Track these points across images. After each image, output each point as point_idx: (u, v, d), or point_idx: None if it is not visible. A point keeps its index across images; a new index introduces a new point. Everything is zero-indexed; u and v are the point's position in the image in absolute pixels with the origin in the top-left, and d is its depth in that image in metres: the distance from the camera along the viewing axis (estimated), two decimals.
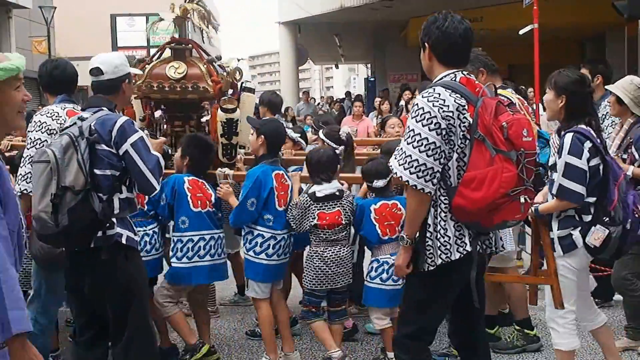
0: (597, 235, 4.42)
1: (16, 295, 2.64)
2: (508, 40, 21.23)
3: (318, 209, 5.36)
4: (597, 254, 4.59)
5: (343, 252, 5.44)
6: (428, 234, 3.62)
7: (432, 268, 3.63)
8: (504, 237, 4.98)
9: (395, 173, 3.60)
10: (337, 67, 44.43)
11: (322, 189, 5.41)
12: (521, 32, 14.76)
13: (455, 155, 3.55)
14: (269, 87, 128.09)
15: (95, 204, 4.04)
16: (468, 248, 3.60)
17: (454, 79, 3.66)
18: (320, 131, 6.69)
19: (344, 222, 5.43)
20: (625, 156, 5.29)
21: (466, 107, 3.55)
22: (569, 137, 4.39)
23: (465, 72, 3.73)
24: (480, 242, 3.72)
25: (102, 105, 4.35)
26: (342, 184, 5.54)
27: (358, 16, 23.41)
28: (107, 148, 4.16)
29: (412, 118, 3.58)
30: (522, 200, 3.53)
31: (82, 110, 4.47)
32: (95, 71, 4.45)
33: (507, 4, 19.74)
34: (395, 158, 3.61)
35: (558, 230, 4.48)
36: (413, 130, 3.54)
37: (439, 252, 3.60)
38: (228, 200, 5.52)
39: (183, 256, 5.43)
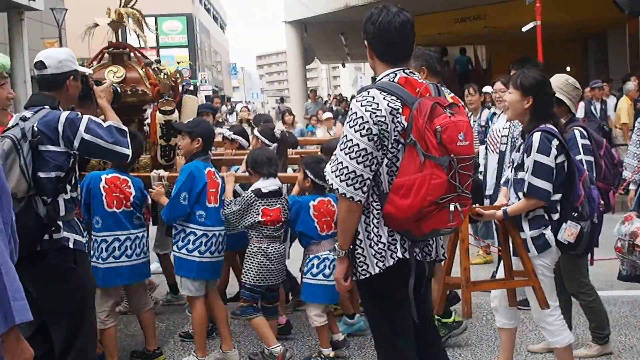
0: (571, 231, 4.43)
1: (17, 286, 2.66)
2: (511, 37, 21.42)
3: (262, 205, 5.44)
4: (571, 250, 4.56)
5: (282, 249, 5.58)
6: (359, 242, 3.48)
7: (365, 277, 3.49)
8: None
9: (328, 180, 3.48)
10: (343, 66, 44.40)
11: (267, 185, 5.50)
12: (524, 29, 14.98)
13: (386, 161, 3.39)
14: (277, 87, 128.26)
15: (40, 208, 3.95)
16: (399, 255, 3.42)
17: (393, 79, 3.49)
18: (255, 129, 6.85)
19: (284, 218, 5.54)
20: None
21: (401, 110, 3.37)
22: (537, 136, 4.39)
23: (407, 71, 3.55)
24: (419, 249, 3.52)
25: (44, 103, 4.19)
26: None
27: (364, 15, 23.36)
28: (53, 148, 4.05)
29: (346, 123, 3.43)
30: (452, 208, 3.34)
31: (25, 108, 4.24)
32: (39, 65, 4.28)
33: (510, 2, 19.76)
34: (330, 164, 3.46)
35: (530, 230, 4.45)
36: (346, 136, 3.38)
37: (375, 259, 3.44)
38: (159, 201, 5.55)
39: (99, 257, 5.32)
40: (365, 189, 3.39)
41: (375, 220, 3.45)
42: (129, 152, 4.33)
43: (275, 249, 5.52)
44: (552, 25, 16.67)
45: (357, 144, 3.35)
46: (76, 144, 4.10)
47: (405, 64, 3.59)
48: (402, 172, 3.34)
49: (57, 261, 4.07)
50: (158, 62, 6.39)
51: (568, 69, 25.63)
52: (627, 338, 5.90)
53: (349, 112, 3.44)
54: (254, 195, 5.44)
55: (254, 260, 5.48)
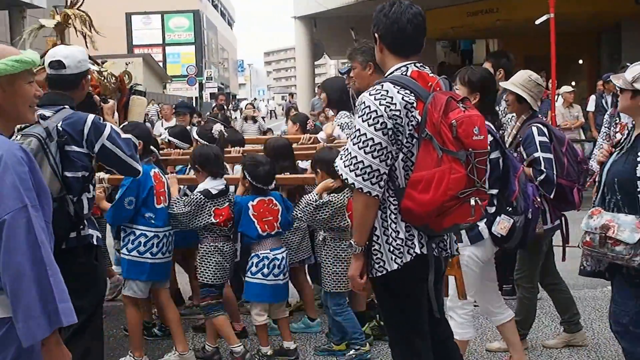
0: (503, 224, 4.53)
1: (63, 288, 2.66)
2: (524, 30, 21.16)
3: (213, 206, 5.44)
4: (504, 244, 4.68)
5: (234, 248, 5.64)
6: (375, 238, 3.45)
7: (382, 274, 3.46)
8: None
9: (341, 175, 3.43)
10: None
11: (215, 185, 5.52)
12: (537, 22, 14.72)
13: (401, 156, 3.37)
14: (285, 83, 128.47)
15: (70, 208, 4.01)
16: (417, 250, 3.41)
17: (405, 72, 3.48)
18: (194, 130, 6.83)
19: (233, 216, 5.54)
20: (515, 154, 5.16)
21: (415, 104, 3.36)
22: None
23: (418, 65, 3.54)
24: (435, 245, 3.52)
25: (64, 103, 4.24)
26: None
27: (374, 9, 23.28)
28: (78, 149, 4.10)
29: (358, 117, 3.41)
30: (473, 202, 3.34)
31: (39, 106, 4.16)
32: (56, 64, 4.32)
33: None
34: (342, 159, 3.44)
35: None
36: (359, 130, 3.36)
37: (393, 256, 3.42)
38: (100, 205, 5.44)
39: None
40: (382, 183, 3.36)
41: (392, 216, 3.42)
42: (140, 168, 4.48)
43: (229, 247, 5.58)
44: (565, 18, 16.33)
45: (372, 138, 3.32)
46: (97, 148, 4.17)
47: (417, 58, 3.58)
48: (419, 167, 3.33)
49: (84, 259, 4.17)
50: (103, 63, 6.33)
51: (581, 62, 25.35)
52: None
53: (361, 106, 3.41)
54: (203, 197, 5.44)
55: (211, 259, 5.50)
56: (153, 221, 5.37)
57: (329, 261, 5.54)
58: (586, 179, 5.43)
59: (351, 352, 5.54)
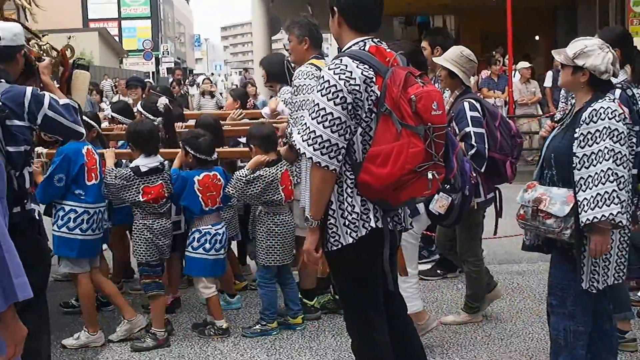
0: (442, 203, 4.58)
1: (18, 262, 2.62)
2: (481, 7, 21.20)
3: (143, 184, 5.39)
4: (442, 221, 4.77)
5: (169, 225, 5.58)
6: (331, 212, 3.46)
7: (337, 248, 3.47)
8: None
9: (299, 149, 3.42)
10: None
11: (147, 163, 5.46)
12: None
13: (360, 130, 3.39)
14: (242, 58, 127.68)
15: (14, 182, 3.95)
16: (372, 224, 3.43)
17: (362, 47, 3.49)
18: (139, 103, 6.77)
19: (166, 194, 5.50)
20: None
21: (374, 79, 3.38)
22: None
23: (375, 40, 3.54)
24: (390, 219, 3.55)
25: (1, 77, 4.17)
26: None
27: None
28: (20, 122, 4.03)
29: (317, 91, 3.40)
30: (430, 176, 3.37)
31: None
32: None
33: None
34: (299, 133, 3.43)
35: None
36: (318, 104, 3.36)
37: (348, 230, 3.43)
38: (36, 180, 5.31)
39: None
40: (340, 157, 3.37)
41: (348, 190, 3.43)
42: (84, 130, 4.44)
43: (161, 224, 5.50)
44: None
45: (331, 112, 3.33)
46: (39, 119, 4.12)
47: (374, 34, 3.59)
48: (378, 141, 3.34)
49: (29, 233, 4.10)
50: (40, 37, 6.14)
51: (537, 38, 25.50)
52: (520, 303, 6.25)
53: (320, 81, 3.41)
54: (133, 174, 5.40)
55: (141, 236, 5.47)
56: (83, 197, 5.35)
57: (262, 236, 5.56)
58: (520, 153, 5.57)
59: (257, 327, 5.62)
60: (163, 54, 53.05)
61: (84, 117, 5.44)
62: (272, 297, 5.64)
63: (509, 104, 14.22)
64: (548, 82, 14.58)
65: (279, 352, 5.30)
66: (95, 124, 6.02)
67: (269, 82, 6.92)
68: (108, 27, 55.61)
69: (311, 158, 3.36)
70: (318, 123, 3.33)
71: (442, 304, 6.10)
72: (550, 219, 3.88)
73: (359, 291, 3.61)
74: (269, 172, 5.43)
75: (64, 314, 6.20)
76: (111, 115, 6.96)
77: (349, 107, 3.33)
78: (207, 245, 5.53)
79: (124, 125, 6.63)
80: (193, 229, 5.60)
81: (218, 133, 6.20)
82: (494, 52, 17.03)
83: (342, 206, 3.44)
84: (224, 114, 7.56)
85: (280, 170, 5.45)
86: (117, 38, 57.67)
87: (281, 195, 5.47)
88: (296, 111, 5.43)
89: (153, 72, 46.64)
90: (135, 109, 7.26)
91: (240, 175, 5.41)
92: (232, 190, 5.44)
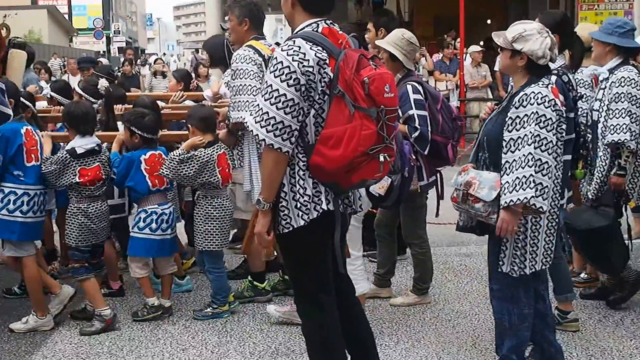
0: (382, 184, 4.54)
1: None
2: None
3: (79, 166, 5.31)
4: (382, 202, 4.79)
5: (105, 207, 5.52)
6: (283, 194, 3.46)
7: (288, 230, 3.48)
8: None
9: (252, 131, 3.39)
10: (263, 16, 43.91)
11: (84, 144, 5.36)
12: None
13: (312, 112, 3.39)
14: (195, 38, 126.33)
15: None
16: (324, 206, 3.44)
17: (315, 29, 3.48)
18: (77, 83, 6.68)
19: (104, 176, 5.45)
20: None
21: (327, 61, 3.38)
22: None
23: (328, 22, 3.54)
24: (341, 201, 3.57)
25: None
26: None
27: None
28: None
29: (270, 73, 3.37)
30: (382, 158, 3.39)
31: None
32: None
33: None
34: (251, 114, 3.40)
35: None
36: (271, 85, 3.34)
37: (299, 212, 3.44)
38: None
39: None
40: (292, 139, 3.37)
41: (300, 172, 3.44)
42: (11, 112, 4.32)
43: (96, 208, 5.44)
44: None
45: (284, 94, 3.32)
46: None
47: (327, 16, 3.58)
48: (330, 123, 3.35)
49: None
50: None
51: (489, 21, 25.68)
52: (467, 285, 6.35)
53: (273, 62, 3.40)
54: (69, 156, 5.30)
55: (75, 220, 5.38)
56: (22, 178, 5.23)
57: (200, 219, 5.53)
58: (460, 136, 5.55)
59: (208, 310, 5.60)
60: (114, 33, 52.37)
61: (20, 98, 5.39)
62: (222, 281, 5.61)
63: (460, 87, 14.35)
64: (498, 66, 14.70)
65: (230, 334, 5.28)
66: (30, 104, 5.87)
67: (212, 66, 6.87)
68: (57, 4, 54.58)
69: (264, 140, 3.35)
70: (271, 104, 3.32)
71: (392, 286, 6.13)
72: (479, 203, 3.91)
73: (309, 273, 3.63)
74: (204, 152, 5.36)
75: (9, 299, 6.13)
76: (50, 95, 6.80)
77: (302, 88, 3.33)
78: (154, 225, 5.48)
79: (63, 106, 6.48)
80: (139, 209, 5.54)
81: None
82: (445, 36, 17.14)
83: (293, 188, 3.44)
84: (166, 96, 7.47)
85: (217, 152, 5.38)
86: (66, 16, 56.64)
87: (218, 177, 5.39)
88: (234, 95, 5.39)
89: (104, 52, 45.98)
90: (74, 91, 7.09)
91: (174, 155, 5.34)
92: (166, 170, 5.35)
